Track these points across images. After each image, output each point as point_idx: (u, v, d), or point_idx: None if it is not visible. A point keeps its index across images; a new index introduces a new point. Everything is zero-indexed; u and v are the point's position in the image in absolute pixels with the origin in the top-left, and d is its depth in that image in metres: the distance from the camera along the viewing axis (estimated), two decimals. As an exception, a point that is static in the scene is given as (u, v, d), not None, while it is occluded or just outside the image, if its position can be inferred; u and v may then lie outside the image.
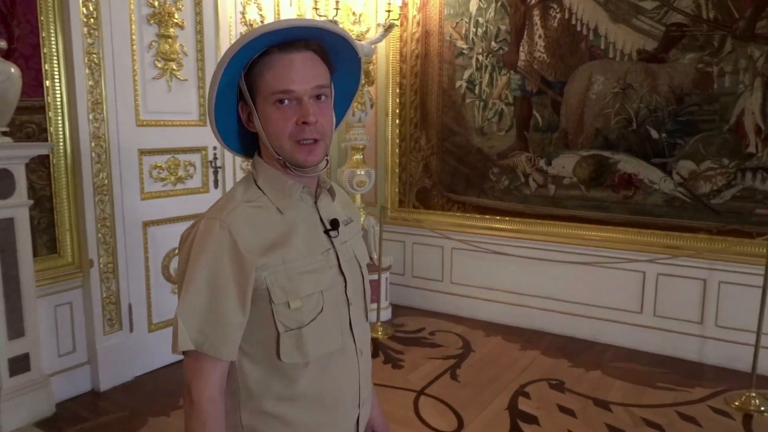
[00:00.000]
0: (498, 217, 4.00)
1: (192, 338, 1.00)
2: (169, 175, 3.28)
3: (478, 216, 4.07)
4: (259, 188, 1.09)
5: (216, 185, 3.53)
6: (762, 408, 2.83)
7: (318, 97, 1.03)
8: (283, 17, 3.87)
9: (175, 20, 3.19)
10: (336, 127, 1.18)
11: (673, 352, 3.46)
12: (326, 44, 1.06)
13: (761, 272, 2.94)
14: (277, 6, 3.83)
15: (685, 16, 3.25)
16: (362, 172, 3.97)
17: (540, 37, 3.70)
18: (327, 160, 1.10)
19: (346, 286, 1.12)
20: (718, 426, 2.71)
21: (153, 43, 3.12)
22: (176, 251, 3.37)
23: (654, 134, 3.41)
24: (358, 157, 4.01)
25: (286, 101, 1.01)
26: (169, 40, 3.18)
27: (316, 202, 1.13)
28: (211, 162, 3.48)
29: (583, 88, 3.60)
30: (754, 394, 2.88)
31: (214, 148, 3.48)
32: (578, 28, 3.56)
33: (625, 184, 3.54)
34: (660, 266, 3.44)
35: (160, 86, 3.19)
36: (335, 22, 3.70)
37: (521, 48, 3.77)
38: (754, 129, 3.15)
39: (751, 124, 3.16)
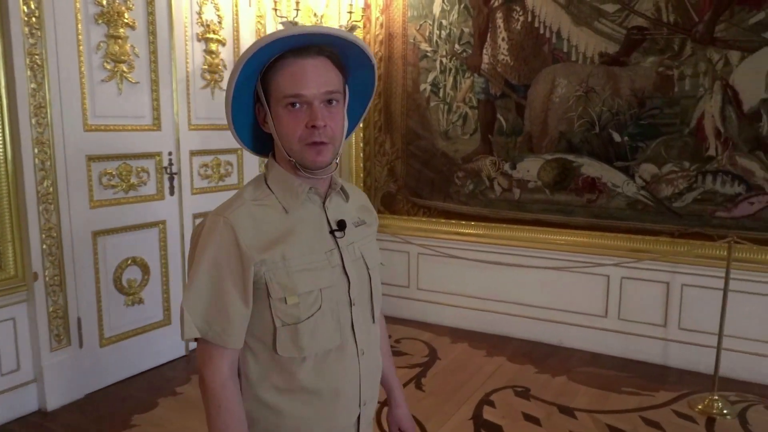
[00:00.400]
0: (464, 222, 3.95)
1: (197, 326, 1.07)
2: (120, 182, 3.14)
3: (443, 221, 4.02)
4: (268, 187, 1.14)
5: (172, 192, 3.39)
6: (725, 411, 2.83)
7: (329, 101, 1.07)
8: (241, 17, 3.76)
9: (126, 20, 3.05)
10: (352, 131, 1.25)
11: (637, 355, 3.46)
12: (340, 50, 1.10)
13: (722, 275, 2.95)
14: (236, 6, 3.71)
15: (646, 20, 3.25)
16: (325, 177, 3.88)
17: (503, 39, 3.67)
18: (336, 162, 1.13)
19: (349, 287, 1.15)
20: (682, 431, 2.71)
21: (101, 44, 2.98)
22: (129, 261, 3.23)
23: (616, 138, 3.41)
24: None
25: (297, 105, 1.06)
26: (119, 40, 3.04)
27: (324, 203, 1.16)
28: (166, 168, 3.34)
29: (546, 92, 3.57)
30: (716, 397, 2.89)
31: (169, 154, 3.35)
32: (541, 31, 3.54)
33: (589, 188, 3.53)
34: (624, 269, 3.44)
35: (110, 89, 3.04)
36: (296, 23, 3.61)
37: (485, 51, 3.74)
38: (714, 132, 3.17)
39: (711, 127, 3.18)
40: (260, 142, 1.20)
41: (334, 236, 1.15)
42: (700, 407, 2.88)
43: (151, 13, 3.17)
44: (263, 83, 1.09)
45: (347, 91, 1.15)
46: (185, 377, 3.28)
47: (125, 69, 3.09)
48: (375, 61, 1.17)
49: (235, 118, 1.13)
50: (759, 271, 3.08)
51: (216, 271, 1.07)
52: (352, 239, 1.18)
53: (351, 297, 1.15)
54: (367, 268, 1.21)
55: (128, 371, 3.25)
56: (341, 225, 1.16)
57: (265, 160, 1.20)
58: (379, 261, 1.28)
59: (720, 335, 2.93)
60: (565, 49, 3.49)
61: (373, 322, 1.23)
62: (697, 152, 3.22)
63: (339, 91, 1.09)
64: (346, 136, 1.20)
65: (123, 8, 3.03)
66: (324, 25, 3.86)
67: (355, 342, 1.16)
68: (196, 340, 1.10)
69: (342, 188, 1.21)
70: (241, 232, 1.07)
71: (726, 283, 2.89)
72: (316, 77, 1.05)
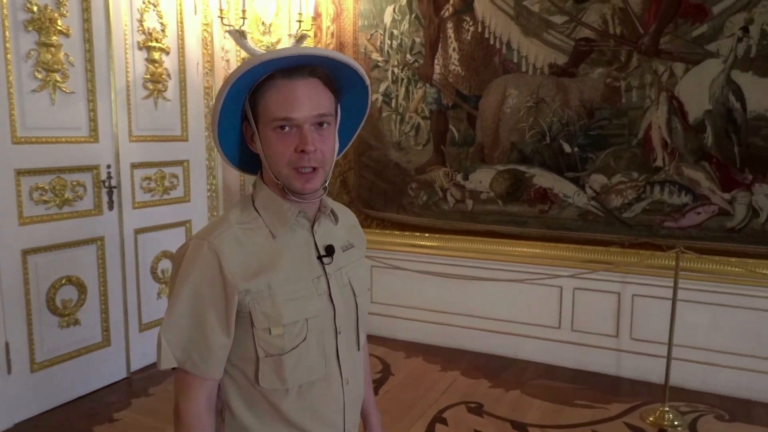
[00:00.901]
0: (417, 234, 3.90)
1: (175, 356, 1.04)
2: (54, 197, 2.97)
3: (397, 233, 3.96)
4: (255, 209, 1.11)
5: (111, 207, 3.24)
6: (675, 422, 2.83)
7: (320, 124, 1.04)
8: (187, 25, 3.64)
9: (59, 27, 2.90)
10: (343, 151, 1.21)
11: (591, 366, 3.45)
12: (332, 71, 1.07)
13: (671, 284, 2.96)
14: (180, 14, 3.59)
15: (593, 31, 3.27)
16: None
17: (454, 50, 3.64)
18: (326, 187, 1.11)
19: (335, 315, 1.12)
20: (633, 444, 2.69)
21: (32, 52, 2.82)
22: (64, 281, 3.06)
23: (567, 148, 3.41)
24: (272, 173, 3.81)
25: (287, 128, 1.03)
26: (52, 48, 2.89)
27: (312, 227, 1.13)
28: (104, 181, 3.19)
29: (497, 102, 3.56)
30: (667, 408, 2.88)
31: (108, 167, 3.20)
32: (491, 42, 3.53)
33: (541, 199, 3.52)
34: (576, 280, 3.43)
35: (42, 99, 2.88)
36: (243, 33, 3.51)
37: (436, 61, 3.70)
38: (661, 143, 3.19)
39: (657, 138, 3.20)
40: (248, 160, 1.16)
41: (322, 262, 1.12)
42: (651, 419, 2.87)
43: (87, 20, 3.03)
44: (252, 103, 1.06)
45: (339, 113, 1.12)
46: (125, 402, 3.11)
47: (59, 78, 2.93)
48: (369, 82, 1.14)
49: (222, 135, 1.10)
50: (706, 280, 3.10)
51: (197, 299, 1.04)
52: (340, 265, 1.16)
53: (337, 325, 1.13)
54: (354, 295, 1.18)
55: (63, 397, 3.07)
56: (329, 250, 1.13)
57: (250, 177, 1.18)
58: (367, 286, 1.25)
59: (670, 345, 2.93)
60: (515, 60, 3.48)
61: (358, 349, 1.21)
62: (645, 163, 3.24)
63: (330, 113, 1.07)
64: (337, 156, 1.17)
65: (56, 15, 2.89)
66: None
67: (340, 371, 1.14)
68: (173, 369, 1.07)
69: (332, 211, 1.18)
70: (225, 258, 1.03)
71: (674, 293, 2.89)
72: (307, 100, 1.03)
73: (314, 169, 1.05)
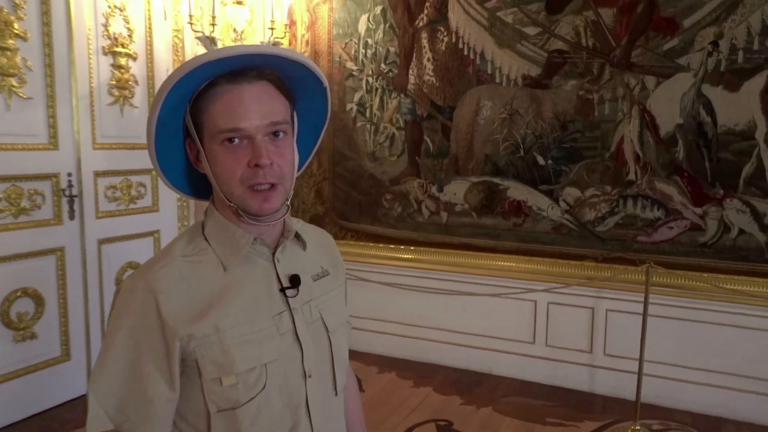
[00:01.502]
0: (392, 246, 3.83)
1: (109, 416, 0.89)
2: (9, 206, 2.86)
3: (372, 245, 3.89)
4: (205, 239, 0.96)
5: (72, 216, 3.13)
6: (646, 440, 2.78)
7: (275, 134, 0.90)
8: (156, 31, 3.56)
9: (15, 30, 2.80)
10: (305, 165, 1.06)
11: (564, 382, 3.40)
12: (284, 72, 0.93)
13: (643, 300, 2.92)
14: (149, 20, 3.51)
15: (566, 43, 3.24)
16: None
17: (429, 60, 3.60)
18: (288, 205, 0.97)
19: (303, 356, 0.96)
20: (603, 463, 2.63)
21: (-14, 56, 2.73)
22: (19, 293, 2.94)
23: (540, 161, 3.37)
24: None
25: (236, 140, 0.88)
26: (8, 52, 2.79)
27: (274, 255, 0.97)
28: (64, 190, 3.08)
29: (471, 113, 3.52)
30: (638, 427, 2.83)
31: (69, 175, 3.09)
32: (465, 52, 3.49)
33: (515, 211, 3.47)
34: (550, 295, 3.38)
35: (-3, 105, 2.79)
36: (213, 39, 3.44)
37: (411, 71, 3.66)
38: (634, 156, 3.17)
39: (630, 151, 3.17)
40: (198, 184, 1.00)
41: (285, 295, 0.97)
42: (622, 437, 2.82)
43: (46, 24, 2.93)
44: (193, 115, 0.91)
45: (296, 120, 0.98)
46: (82, 419, 2.97)
47: (15, 83, 2.83)
48: (327, 83, 0.99)
49: (163, 158, 0.93)
50: (677, 296, 3.07)
51: (133, 348, 0.89)
52: (309, 297, 1.00)
53: (306, 369, 0.96)
54: (327, 332, 1.01)
55: (17, 415, 2.94)
56: (294, 281, 0.97)
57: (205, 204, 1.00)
58: (346, 319, 1.08)
59: (640, 361, 2.89)
60: (489, 71, 3.44)
61: (336, 394, 1.03)
62: (617, 176, 3.21)
63: (286, 121, 0.93)
64: (298, 171, 1.02)
65: (12, 18, 2.79)
66: (245, 44, 3.70)
67: (310, 423, 0.97)
68: None
69: (297, 234, 1.02)
70: (164, 299, 0.88)
71: (645, 308, 2.85)
72: (258, 106, 0.88)
73: (272, 185, 0.90)
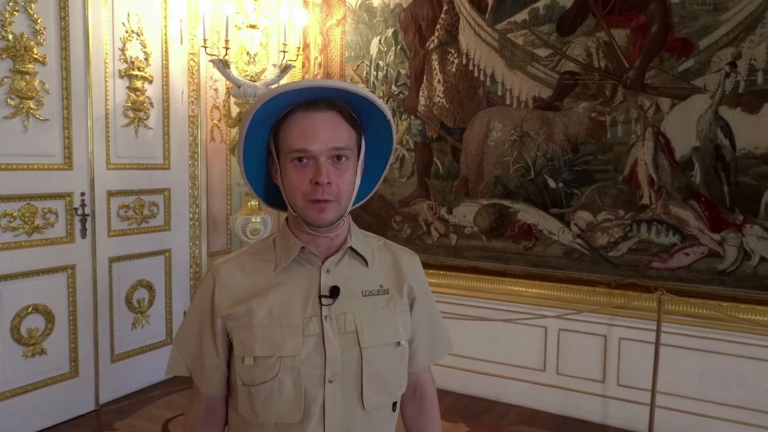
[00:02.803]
0: (401, 268, 3.78)
1: (187, 365, 1.13)
2: (22, 224, 2.94)
3: (381, 266, 3.85)
4: (273, 242, 1.14)
5: (84, 235, 3.20)
6: (658, 478, 2.65)
7: (338, 157, 1.03)
8: (172, 54, 3.65)
9: (35, 55, 2.91)
10: (374, 189, 1.22)
11: (576, 412, 3.27)
12: (353, 105, 1.07)
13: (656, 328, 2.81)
14: (165, 44, 3.60)
15: (578, 65, 3.19)
16: (257, 220, 3.71)
17: (439, 82, 3.59)
18: (344, 220, 1.10)
19: (326, 361, 1.04)
20: (611, 501, 2.51)
21: (5, 80, 2.82)
22: (30, 309, 3.00)
23: (551, 183, 3.30)
24: (254, 203, 3.75)
25: (304, 160, 1.03)
26: (27, 76, 2.89)
27: (322, 264, 1.09)
28: (77, 209, 3.15)
29: (481, 135, 3.48)
30: (650, 463, 2.70)
31: (82, 194, 3.17)
32: (476, 74, 3.47)
33: (525, 235, 3.40)
34: (561, 321, 3.28)
35: (14, 126, 2.87)
36: (227, 63, 3.50)
37: (421, 93, 3.65)
38: (648, 180, 3.08)
39: (644, 174, 3.08)
40: (276, 194, 1.16)
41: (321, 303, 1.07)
42: (633, 473, 2.69)
43: (65, 49, 3.04)
44: (275, 136, 1.07)
45: (363, 148, 1.10)
46: (89, 436, 3.02)
47: (32, 105, 2.92)
48: (390, 116, 1.11)
49: (251, 171, 1.12)
50: (693, 325, 2.94)
51: (198, 319, 1.11)
52: (350, 309, 1.08)
53: (327, 373, 1.04)
54: (359, 345, 1.07)
55: (25, 429, 2.98)
56: (333, 291, 1.07)
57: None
58: (395, 340, 1.12)
59: (653, 393, 2.77)
60: (499, 93, 3.41)
61: (364, 408, 1.07)
62: (631, 200, 3.12)
63: (349, 147, 1.05)
64: (367, 195, 1.20)
65: (32, 43, 2.89)
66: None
67: (324, 424, 1.04)
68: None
69: (356, 251, 1.12)
70: (220, 283, 1.08)
71: (657, 338, 2.75)
72: (324, 132, 1.02)
73: (328, 201, 1.03)
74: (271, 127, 1.08)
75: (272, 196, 1.17)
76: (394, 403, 1.15)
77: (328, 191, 1.02)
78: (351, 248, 1.12)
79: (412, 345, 1.21)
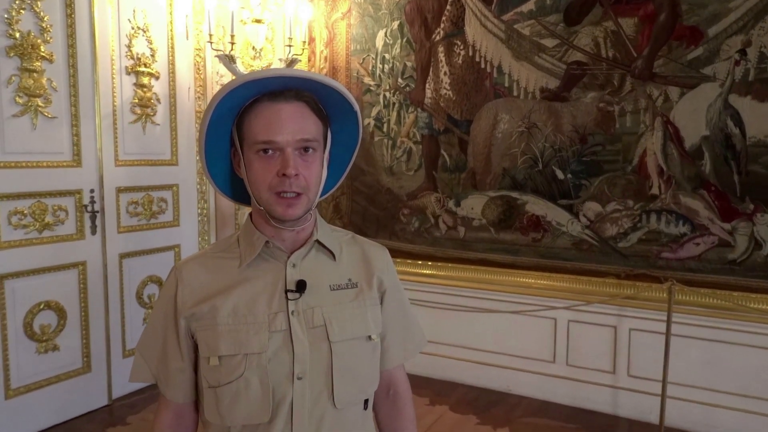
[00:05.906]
0: (410, 261, 3.79)
1: (152, 372, 1.09)
2: (33, 222, 2.96)
3: (389, 259, 3.85)
4: (237, 239, 1.10)
5: (94, 231, 3.21)
6: (670, 468, 2.65)
7: (305, 149, 1.01)
8: (178, 50, 3.65)
9: (42, 53, 2.91)
10: (339, 181, 1.19)
11: (586, 404, 3.27)
12: (320, 96, 1.03)
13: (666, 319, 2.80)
14: (171, 40, 3.61)
15: (585, 55, 3.16)
16: (265, 214, 3.71)
17: (445, 74, 3.57)
18: (311, 214, 1.08)
19: (294, 358, 1.00)
20: (622, 491, 2.51)
21: (13, 78, 2.83)
22: (42, 305, 3.03)
23: (560, 175, 3.29)
24: (261, 198, 3.75)
25: (270, 151, 1.00)
26: (34, 74, 2.90)
27: (288, 259, 1.06)
28: (86, 206, 3.17)
29: (489, 127, 3.47)
30: (661, 453, 2.70)
31: (91, 191, 3.18)
32: (482, 66, 3.45)
33: (534, 226, 3.39)
34: (571, 312, 3.27)
35: (23, 124, 2.89)
36: (232, 58, 3.50)
37: (427, 85, 3.64)
38: (657, 170, 3.06)
39: (653, 164, 3.06)
40: (239, 189, 1.12)
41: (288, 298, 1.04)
42: (645, 464, 2.69)
43: (71, 47, 3.04)
44: (238, 126, 1.04)
45: (329, 139, 1.08)
46: (100, 431, 3.05)
47: (41, 103, 2.94)
48: (358, 108, 1.08)
49: (212, 164, 1.08)
50: (703, 315, 2.92)
51: (162, 322, 1.08)
52: (318, 303, 1.04)
53: (295, 370, 1.00)
54: (329, 340, 1.03)
55: (38, 425, 3.01)
56: (299, 286, 1.03)
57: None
58: (365, 334, 1.08)
59: (664, 383, 2.77)
60: (506, 84, 3.39)
61: (335, 406, 1.03)
62: (640, 190, 3.10)
63: (316, 139, 1.03)
64: (332, 187, 1.16)
65: (39, 41, 2.90)
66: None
67: (291, 423, 0.99)
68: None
69: (322, 244, 1.09)
70: (183, 283, 1.05)
71: (668, 328, 2.74)
72: (291, 123, 0.99)
73: (297, 194, 1.00)
74: (234, 117, 1.04)
75: (239, 191, 1.13)
76: (366, 401, 1.11)
77: (296, 183, 0.99)
78: (318, 242, 1.09)
79: (384, 341, 1.17)
